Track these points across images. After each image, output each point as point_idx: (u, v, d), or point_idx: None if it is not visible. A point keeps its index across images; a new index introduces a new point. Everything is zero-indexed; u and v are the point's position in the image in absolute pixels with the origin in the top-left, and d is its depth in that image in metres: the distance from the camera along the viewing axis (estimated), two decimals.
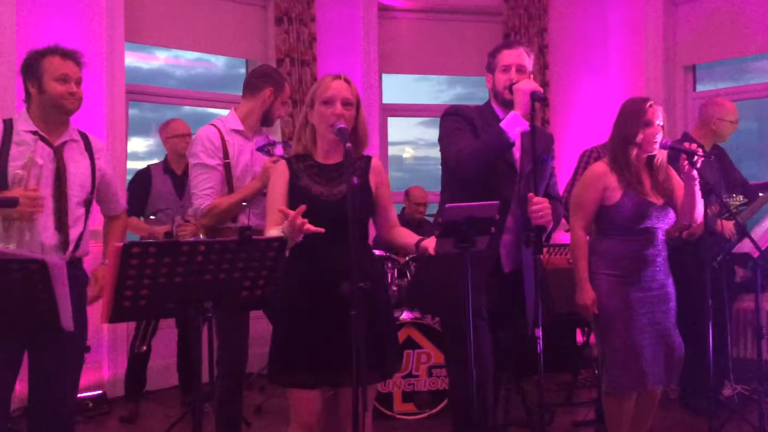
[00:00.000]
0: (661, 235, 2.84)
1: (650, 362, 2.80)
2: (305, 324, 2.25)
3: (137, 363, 4.12)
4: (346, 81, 2.32)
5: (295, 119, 5.09)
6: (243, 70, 5.52)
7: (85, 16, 4.38)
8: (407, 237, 2.41)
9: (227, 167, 2.98)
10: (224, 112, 5.57)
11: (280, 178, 2.32)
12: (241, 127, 3.07)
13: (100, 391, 4.21)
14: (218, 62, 6.15)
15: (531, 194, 2.52)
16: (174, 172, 4.20)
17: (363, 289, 2.18)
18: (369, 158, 2.44)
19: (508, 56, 2.73)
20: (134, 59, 5.20)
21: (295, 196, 2.28)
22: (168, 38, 5.06)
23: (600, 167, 2.89)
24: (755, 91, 5.17)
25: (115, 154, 4.43)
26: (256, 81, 3.14)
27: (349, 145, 2.13)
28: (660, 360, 2.83)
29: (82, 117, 2.64)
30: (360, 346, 2.01)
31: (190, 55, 5.68)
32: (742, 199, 3.78)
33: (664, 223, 2.83)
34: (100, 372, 4.36)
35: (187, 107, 5.53)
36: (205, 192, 2.95)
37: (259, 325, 4.65)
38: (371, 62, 5.50)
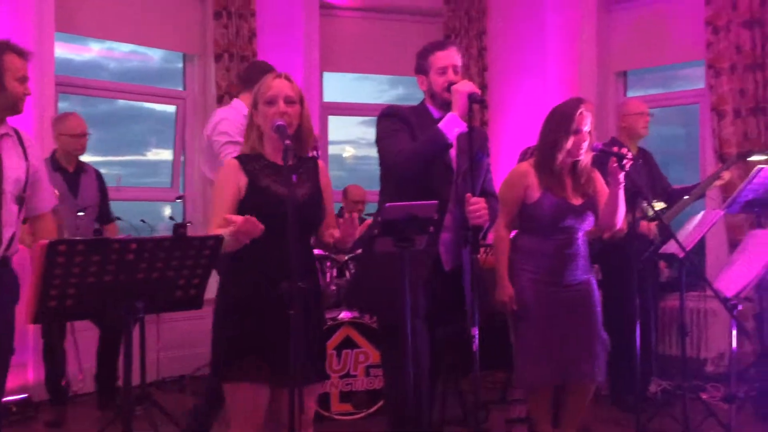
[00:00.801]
0: (580, 236, 2.93)
1: (568, 359, 2.87)
2: (257, 324, 2.22)
3: (56, 365, 3.94)
4: (287, 79, 2.30)
5: None
6: (180, 65, 5.40)
7: (11, 2, 4.19)
8: (330, 236, 2.41)
9: None
10: (159, 106, 5.49)
11: (230, 177, 2.26)
12: None
13: (25, 395, 4.03)
14: (155, 55, 6.00)
15: (468, 195, 2.55)
16: (65, 169, 4.01)
17: (302, 289, 2.18)
18: (316, 160, 2.42)
19: (443, 58, 2.74)
20: (65, 50, 5.02)
21: (257, 195, 2.23)
22: (102, 29, 4.90)
23: (523, 167, 2.99)
24: (682, 98, 5.37)
25: (43, 149, 4.25)
26: (257, 75, 3.19)
27: (288, 142, 2.10)
28: (581, 357, 2.89)
29: None
30: (299, 345, 1.99)
31: (125, 48, 5.52)
32: (663, 204, 3.95)
33: (583, 224, 2.92)
34: (25, 375, 4.18)
35: (121, 101, 5.38)
36: None
37: (193, 326, 4.58)
38: (312, 60, 5.47)
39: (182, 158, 5.32)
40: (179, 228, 2.06)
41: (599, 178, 2.96)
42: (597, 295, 2.99)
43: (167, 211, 6.05)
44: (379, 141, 2.75)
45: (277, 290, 2.12)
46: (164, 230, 5.10)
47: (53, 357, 3.94)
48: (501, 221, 2.97)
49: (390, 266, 2.34)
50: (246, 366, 2.20)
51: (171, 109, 5.38)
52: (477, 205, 2.53)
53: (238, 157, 2.31)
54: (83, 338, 4.17)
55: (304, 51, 5.42)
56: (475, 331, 2.51)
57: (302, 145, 2.32)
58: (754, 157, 4.07)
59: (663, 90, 5.66)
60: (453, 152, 2.75)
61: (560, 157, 2.89)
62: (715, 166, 4.65)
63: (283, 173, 2.20)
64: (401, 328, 2.27)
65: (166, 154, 5.73)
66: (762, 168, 3.67)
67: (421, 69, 2.80)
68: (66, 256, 1.81)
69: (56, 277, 1.82)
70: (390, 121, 2.74)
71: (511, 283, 2.93)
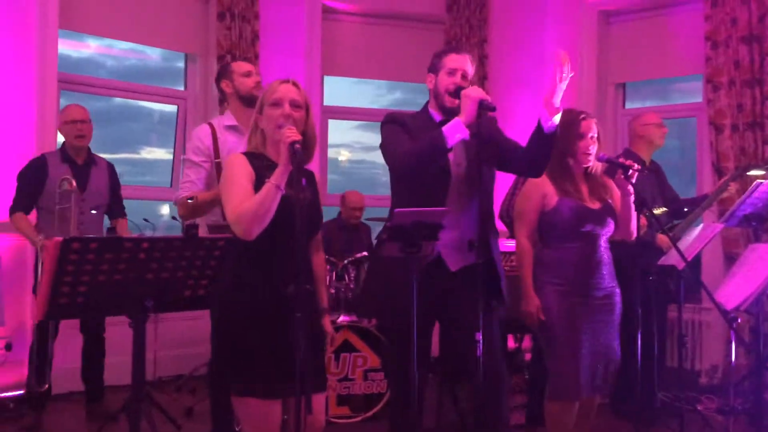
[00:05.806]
0: (603, 242, 2.91)
1: (586, 372, 2.86)
2: (267, 332, 2.19)
3: (40, 368, 3.79)
4: (295, 84, 2.30)
5: None
6: (179, 64, 5.39)
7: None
8: (321, 291, 2.42)
9: (218, 166, 2.98)
10: (155, 105, 5.47)
11: (243, 164, 2.23)
12: (234, 123, 3.09)
13: (22, 391, 3.95)
14: (153, 54, 5.99)
15: None
16: (74, 161, 3.93)
17: (308, 291, 2.18)
18: (312, 173, 2.42)
19: (455, 60, 2.75)
20: (62, 46, 5.01)
21: None
22: (103, 27, 4.90)
23: (538, 178, 2.98)
24: (678, 111, 5.42)
25: (45, 145, 4.23)
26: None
27: (298, 146, 2.10)
28: (596, 370, 2.88)
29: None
30: (305, 349, 1.99)
31: (123, 45, 5.51)
32: (663, 209, 3.96)
33: (604, 228, 2.91)
34: (22, 371, 4.14)
35: (117, 99, 5.36)
36: (184, 184, 3.04)
37: (191, 326, 4.57)
38: (314, 63, 5.47)
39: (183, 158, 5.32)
40: (191, 229, 2.07)
41: (614, 186, 2.97)
42: (620, 308, 2.97)
43: (164, 210, 6.03)
44: (384, 147, 2.75)
45: (285, 293, 2.12)
46: (164, 230, 5.07)
47: (42, 358, 3.81)
48: (522, 233, 2.95)
49: (398, 272, 2.35)
50: (257, 380, 2.16)
51: (167, 108, 5.36)
52: None
53: (244, 153, 2.31)
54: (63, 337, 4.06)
55: (306, 54, 5.43)
56: (479, 336, 2.50)
57: (306, 153, 2.29)
58: (753, 172, 4.11)
59: (659, 102, 5.70)
60: (459, 157, 2.75)
61: (569, 161, 2.91)
62: (713, 178, 4.69)
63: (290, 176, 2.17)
64: (407, 332, 2.28)
65: (160, 153, 5.71)
66: (761, 183, 3.69)
67: (433, 68, 2.80)
68: (79, 254, 1.82)
69: (68, 274, 1.82)
70: (391, 127, 2.75)
71: (538, 296, 2.88)
